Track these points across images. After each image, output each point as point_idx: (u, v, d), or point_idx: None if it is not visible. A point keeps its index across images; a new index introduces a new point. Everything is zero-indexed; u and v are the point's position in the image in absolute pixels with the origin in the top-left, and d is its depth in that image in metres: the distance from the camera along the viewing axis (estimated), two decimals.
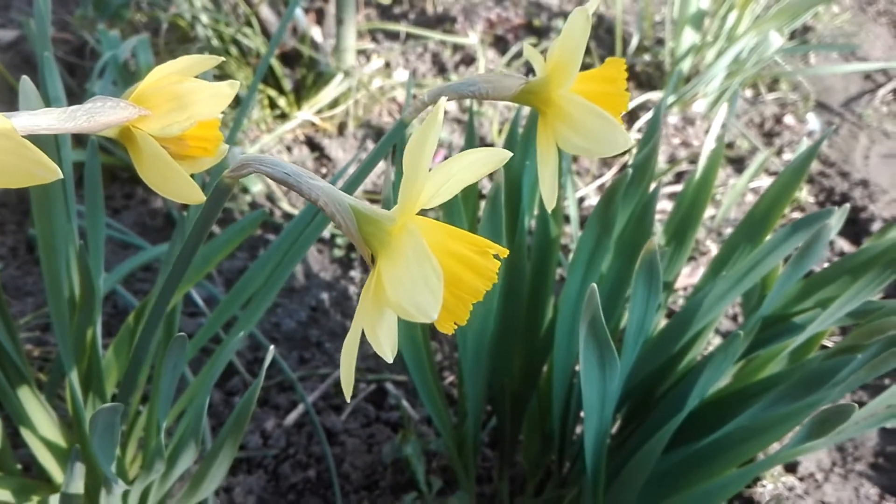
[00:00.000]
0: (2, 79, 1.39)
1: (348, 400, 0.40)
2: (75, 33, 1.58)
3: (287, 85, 1.55)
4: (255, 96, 1.49)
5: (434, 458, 1.04)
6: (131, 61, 1.37)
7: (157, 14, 1.60)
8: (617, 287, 0.83)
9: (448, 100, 0.52)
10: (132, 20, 1.58)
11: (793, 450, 0.69)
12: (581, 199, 1.50)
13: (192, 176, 0.46)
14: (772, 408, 0.73)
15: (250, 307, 0.76)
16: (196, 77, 0.46)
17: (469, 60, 1.76)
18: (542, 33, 1.88)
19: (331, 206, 0.39)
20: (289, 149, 1.50)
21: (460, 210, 0.82)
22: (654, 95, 1.71)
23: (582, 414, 0.77)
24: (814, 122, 1.75)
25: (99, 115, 0.42)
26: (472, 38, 1.80)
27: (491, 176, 0.86)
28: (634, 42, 1.82)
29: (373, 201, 1.41)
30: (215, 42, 1.54)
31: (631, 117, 1.65)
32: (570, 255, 0.85)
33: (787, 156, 1.67)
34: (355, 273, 1.29)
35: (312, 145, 1.52)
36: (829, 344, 1.21)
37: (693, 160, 1.60)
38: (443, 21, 1.85)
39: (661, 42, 1.85)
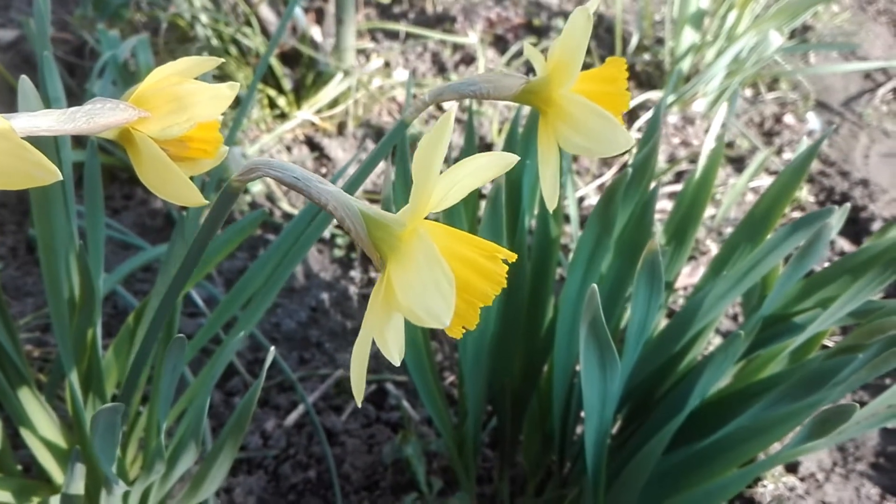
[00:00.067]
0: (1, 79, 1.39)
1: (359, 404, 0.41)
2: (75, 33, 1.58)
3: (287, 84, 1.55)
4: (255, 96, 1.49)
5: (434, 459, 1.04)
6: (131, 61, 1.37)
7: (156, 14, 1.60)
8: (617, 287, 0.82)
9: (448, 100, 0.52)
10: (132, 20, 1.58)
11: (794, 450, 0.69)
12: (581, 199, 1.50)
13: (190, 177, 0.46)
14: (772, 408, 0.73)
15: (250, 307, 0.76)
16: (196, 78, 0.46)
17: (469, 60, 1.76)
18: (541, 33, 1.88)
19: (340, 210, 0.39)
20: (288, 148, 1.50)
21: (460, 210, 0.82)
22: (654, 95, 1.71)
23: (582, 414, 0.77)
24: (814, 121, 1.75)
25: (98, 116, 0.42)
26: (471, 37, 1.79)
27: None
28: (634, 41, 1.82)
29: (373, 201, 1.41)
30: (215, 42, 1.54)
31: (631, 117, 1.65)
32: (570, 255, 0.85)
33: (787, 155, 1.67)
34: (355, 273, 1.29)
35: (312, 145, 1.52)
36: (830, 344, 1.21)
37: (693, 159, 1.60)
38: (442, 20, 1.85)
39: (660, 41, 1.85)
